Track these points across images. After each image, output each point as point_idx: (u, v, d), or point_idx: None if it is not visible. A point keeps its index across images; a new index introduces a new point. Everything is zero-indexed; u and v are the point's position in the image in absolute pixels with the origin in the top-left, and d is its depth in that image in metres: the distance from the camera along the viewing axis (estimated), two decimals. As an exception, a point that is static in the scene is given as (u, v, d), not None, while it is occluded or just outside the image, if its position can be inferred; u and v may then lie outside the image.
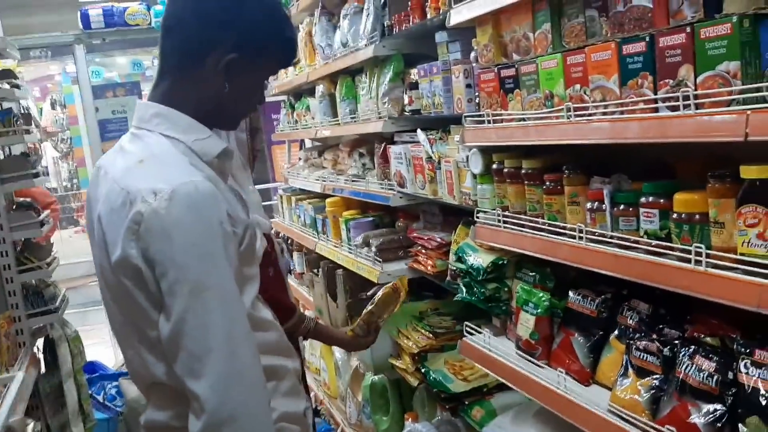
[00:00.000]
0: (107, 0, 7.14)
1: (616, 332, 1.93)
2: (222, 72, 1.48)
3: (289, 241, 5.18)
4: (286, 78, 4.91)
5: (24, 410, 2.64)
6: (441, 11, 2.52)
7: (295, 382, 1.66)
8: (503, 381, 2.25)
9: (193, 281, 1.34)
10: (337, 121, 3.90)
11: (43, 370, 3.52)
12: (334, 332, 2.66)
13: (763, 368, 1.43)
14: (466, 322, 2.53)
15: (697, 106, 1.43)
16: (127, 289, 1.40)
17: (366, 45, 3.19)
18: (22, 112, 3.58)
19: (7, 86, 3.24)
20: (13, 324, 3.10)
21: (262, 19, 1.51)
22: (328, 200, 4.07)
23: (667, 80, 1.50)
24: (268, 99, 6.00)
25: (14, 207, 3.30)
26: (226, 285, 1.38)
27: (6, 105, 3.41)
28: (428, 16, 2.65)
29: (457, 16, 2.27)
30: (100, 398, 4.76)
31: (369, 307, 2.51)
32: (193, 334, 1.34)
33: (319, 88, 4.16)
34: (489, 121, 2.20)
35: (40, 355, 3.53)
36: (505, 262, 2.35)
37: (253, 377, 1.39)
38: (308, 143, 5.46)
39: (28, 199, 3.49)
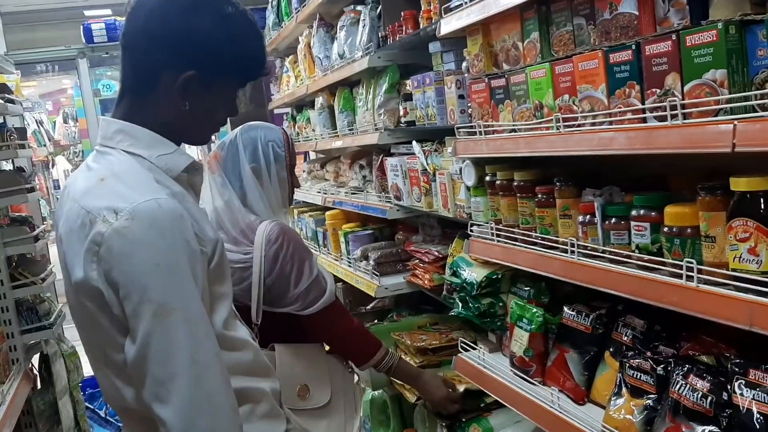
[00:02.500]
0: (110, 14, 7.17)
1: (611, 349, 1.87)
2: (179, 90, 1.43)
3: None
4: (287, 90, 4.89)
5: (13, 427, 2.61)
6: (433, 21, 2.48)
7: (273, 404, 1.60)
8: (497, 399, 2.19)
9: (157, 303, 1.29)
10: (336, 133, 3.86)
11: (39, 386, 3.49)
12: (416, 370, 2.55)
13: (758, 389, 1.36)
14: (461, 338, 2.48)
15: (685, 116, 1.37)
16: (90, 312, 1.35)
17: (361, 56, 3.15)
18: (17, 126, 3.56)
19: (0, 101, 3.23)
20: (6, 340, 3.07)
21: (215, 33, 1.43)
22: (327, 213, 4.04)
23: (654, 89, 1.45)
24: (276, 111, 6.00)
25: (8, 222, 3.29)
26: (191, 306, 1.32)
27: (-1, 120, 3.40)
28: (421, 26, 2.62)
29: (447, 26, 2.23)
30: (102, 413, 4.74)
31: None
32: (157, 359, 1.29)
33: (319, 100, 4.13)
34: (480, 133, 2.15)
35: (36, 372, 3.51)
36: (500, 276, 2.30)
37: (221, 402, 1.34)
38: (312, 155, 5.44)
39: (23, 214, 3.47)
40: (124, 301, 1.30)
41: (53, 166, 10.15)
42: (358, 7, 3.31)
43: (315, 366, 2.25)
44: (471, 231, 2.33)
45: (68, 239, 1.37)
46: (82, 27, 7.01)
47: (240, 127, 2.38)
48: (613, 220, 1.71)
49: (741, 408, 1.38)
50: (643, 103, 1.49)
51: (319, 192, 4.21)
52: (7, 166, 3.78)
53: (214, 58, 1.44)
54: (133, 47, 1.45)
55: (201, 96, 1.46)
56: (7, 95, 3.31)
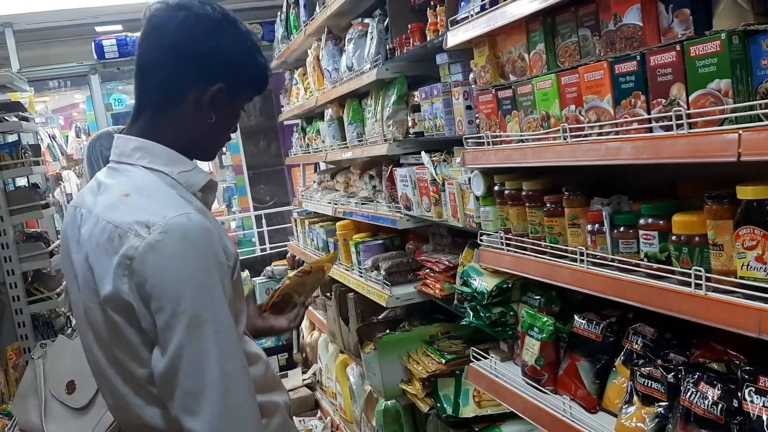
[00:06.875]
0: (121, 30, 7.24)
1: (621, 357, 1.87)
2: (208, 104, 1.47)
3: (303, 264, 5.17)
4: (297, 102, 4.93)
5: (31, 442, 2.63)
6: (440, 33, 2.50)
7: (285, 417, 1.62)
8: (510, 408, 2.20)
9: (190, 315, 1.31)
10: (346, 144, 3.89)
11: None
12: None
13: (768, 396, 1.37)
14: (473, 348, 2.49)
15: (691, 126, 1.38)
16: (117, 326, 1.37)
17: (370, 68, 3.18)
18: (31, 143, 3.61)
19: (15, 119, 3.27)
20: (23, 355, 3.10)
21: (236, 46, 1.50)
22: (338, 223, 4.06)
23: (659, 99, 1.46)
24: (286, 122, 6.07)
25: (23, 238, 3.33)
26: (221, 318, 1.35)
27: (14, 137, 3.44)
28: (428, 39, 2.64)
29: (454, 38, 2.25)
30: (117, 426, 4.76)
31: (286, 281, 2.12)
32: (189, 370, 1.31)
33: (328, 112, 4.16)
34: (488, 143, 2.17)
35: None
36: (510, 285, 2.31)
37: (248, 413, 1.37)
38: (322, 166, 5.47)
39: (38, 230, 3.51)
40: (156, 313, 1.32)
41: (65, 180, 10.22)
42: (366, 20, 3.34)
43: None
44: (481, 240, 2.35)
45: (95, 255, 1.39)
46: (93, 43, 7.09)
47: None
48: (622, 228, 1.71)
49: (752, 415, 1.39)
50: (648, 113, 1.50)
51: (329, 203, 4.24)
52: (22, 182, 3.82)
53: (238, 72, 1.51)
54: (156, 65, 1.48)
55: (225, 109, 1.51)
56: (21, 113, 3.35)
